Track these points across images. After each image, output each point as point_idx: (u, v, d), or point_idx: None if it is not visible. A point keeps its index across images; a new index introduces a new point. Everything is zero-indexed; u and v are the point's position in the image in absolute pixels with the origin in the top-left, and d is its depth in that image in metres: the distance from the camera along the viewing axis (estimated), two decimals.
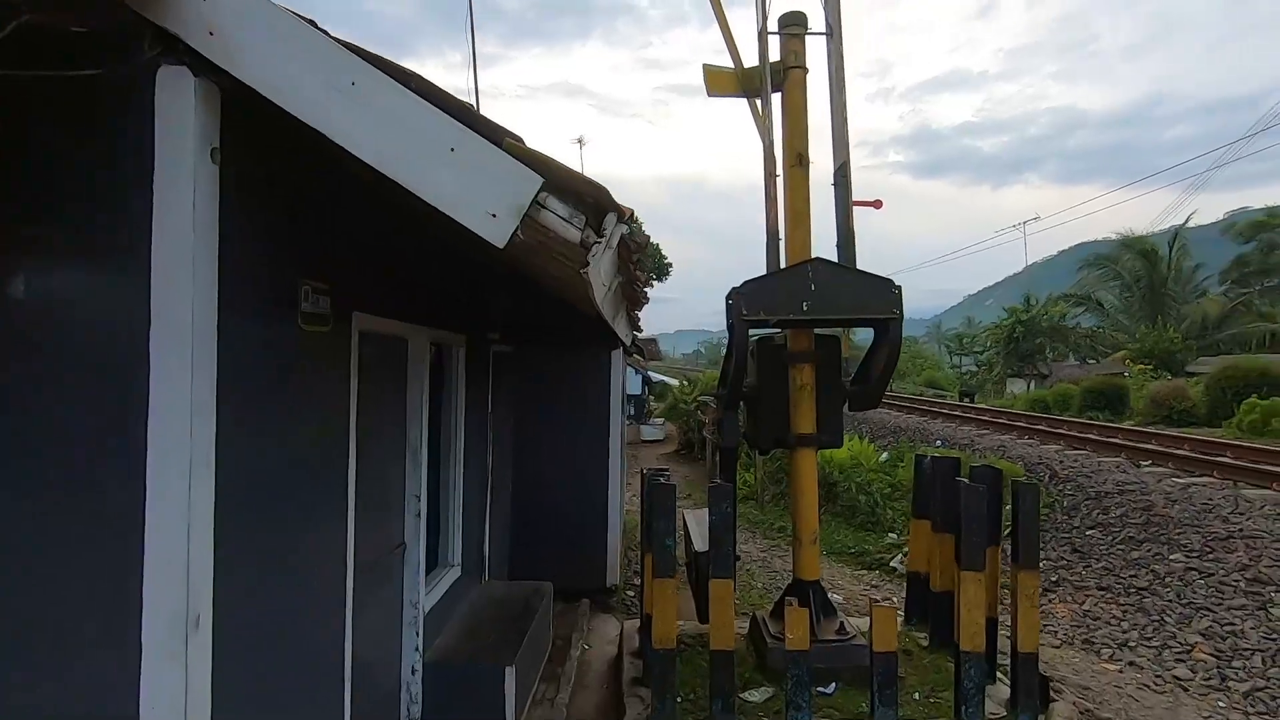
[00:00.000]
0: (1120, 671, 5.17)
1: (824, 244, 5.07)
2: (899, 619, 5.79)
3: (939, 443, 14.12)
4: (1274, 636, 5.16)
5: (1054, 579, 7.20)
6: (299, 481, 2.57)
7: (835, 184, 5.13)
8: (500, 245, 1.65)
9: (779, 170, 5.08)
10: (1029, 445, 12.69)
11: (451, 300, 4.92)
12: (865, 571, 8.70)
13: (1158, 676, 5.04)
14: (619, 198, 1.96)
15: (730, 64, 5.20)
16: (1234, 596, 5.84)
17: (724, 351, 5.30)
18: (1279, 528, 6.81)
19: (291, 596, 2.53)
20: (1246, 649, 5.10)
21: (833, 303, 4.64)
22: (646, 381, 30.43)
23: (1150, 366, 25.60)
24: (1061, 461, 10.77)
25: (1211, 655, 5.13)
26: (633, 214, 2.51)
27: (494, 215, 1.63)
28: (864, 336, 5.59)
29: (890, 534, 9.41)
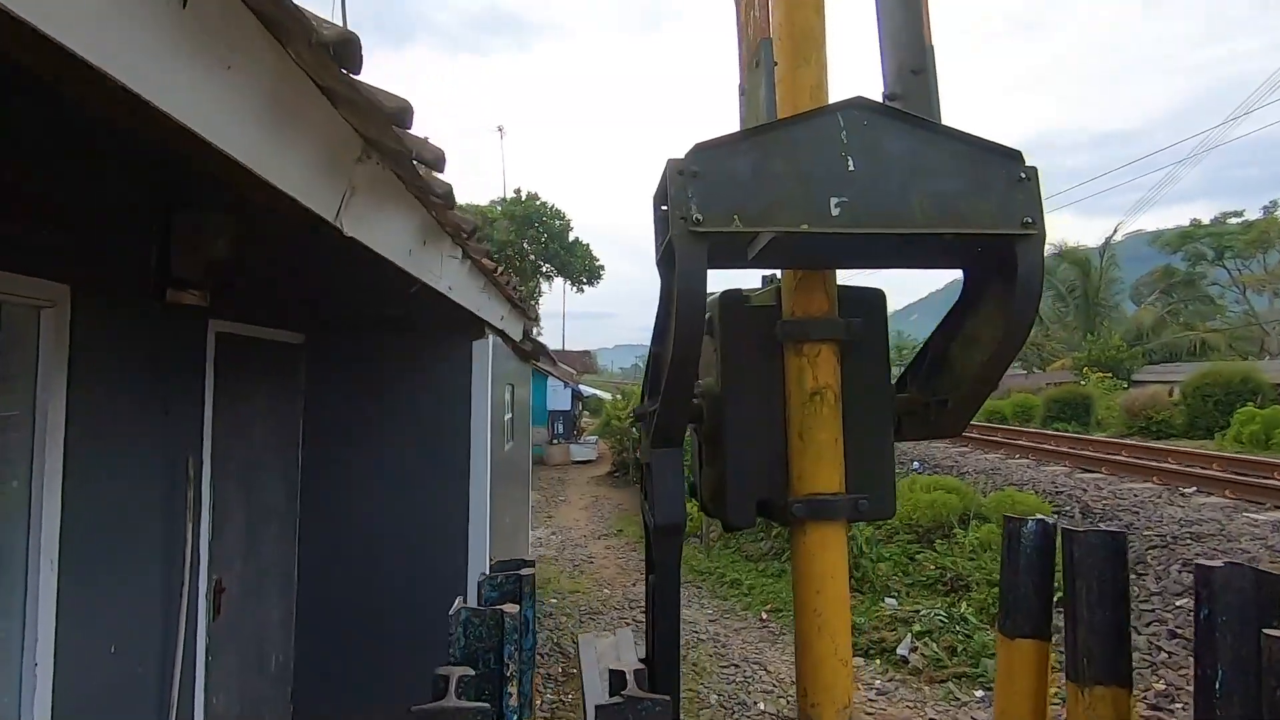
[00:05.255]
0: None
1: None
2: None
3: (915, 465, 11.84)
4: None
5: (1160, 686, 4.76)
6: None
7: None
8: None
9: None
10: (1027, 466, 10.50)
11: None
12: (860, 659, 6.10)
13: None
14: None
15: None
16: None
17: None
18: None
19: None
20: None
21: (898, 197, 2.01)
22: (578, 396, 27.54)
23: (1108, 375, 24.49)
24: (1084, 489, 8.54)
25: None
26: None
27: None
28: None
29: (888, 600, 6.87)
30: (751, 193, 1.99)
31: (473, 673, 1.50)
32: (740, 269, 2.39)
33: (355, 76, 1.17)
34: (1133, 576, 6.08)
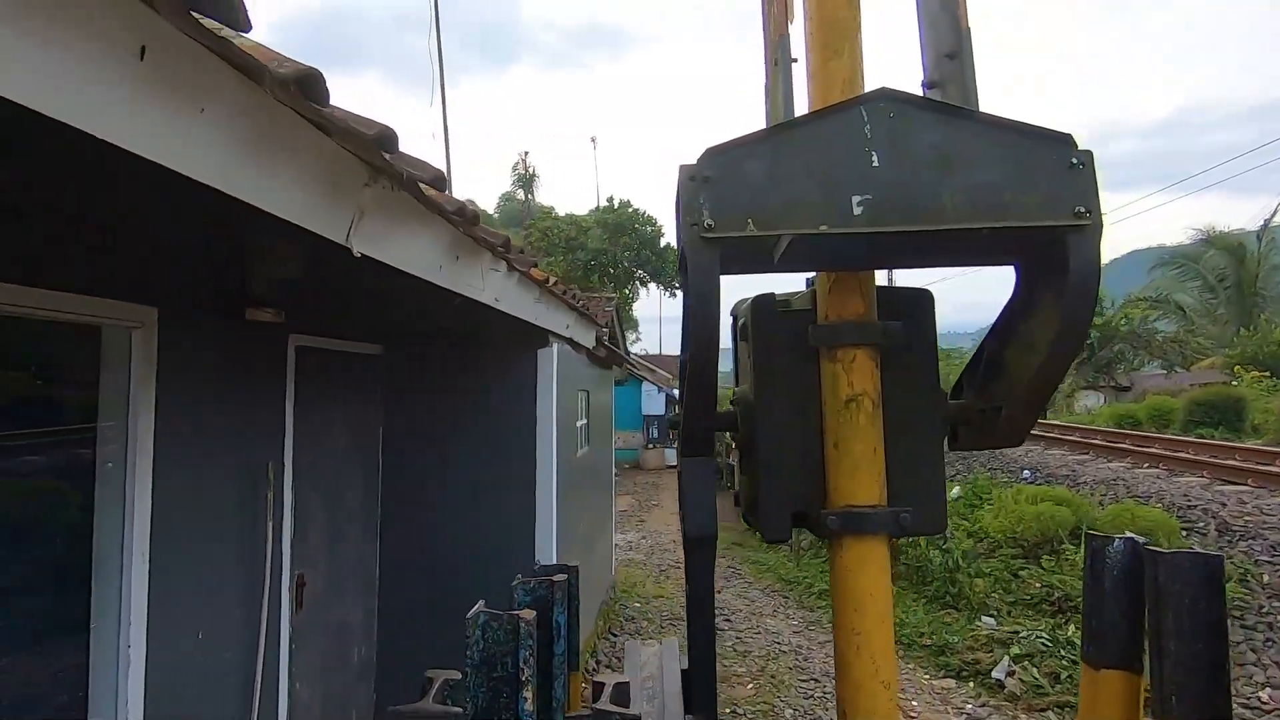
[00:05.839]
0: None
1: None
2: None
3: (1026, 473, 11.00)
4: None
5: None
6: None
7: None
8: None
9: None
10: (1156, 477, 9.49)
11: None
12: (952, 681, 5.73)
13: None
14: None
15: None
16: None
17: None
18: None
19: None
20: None
21: (928, 192, 1.88)
22: (672, 400, 27.60)
23: (1266, 374, 21.72)
24: (1222, 503, 7.61)
25: None
26: None
27: None
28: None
29: (985, 618, 6.41)
30: (766, 195, 1.93)
31: (459, 676, 1.54)
32: (766, 274, 2.33)
33: (323, 108, 1.25)
34: (1268, 604, 5.35)
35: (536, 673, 2.06)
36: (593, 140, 46.74)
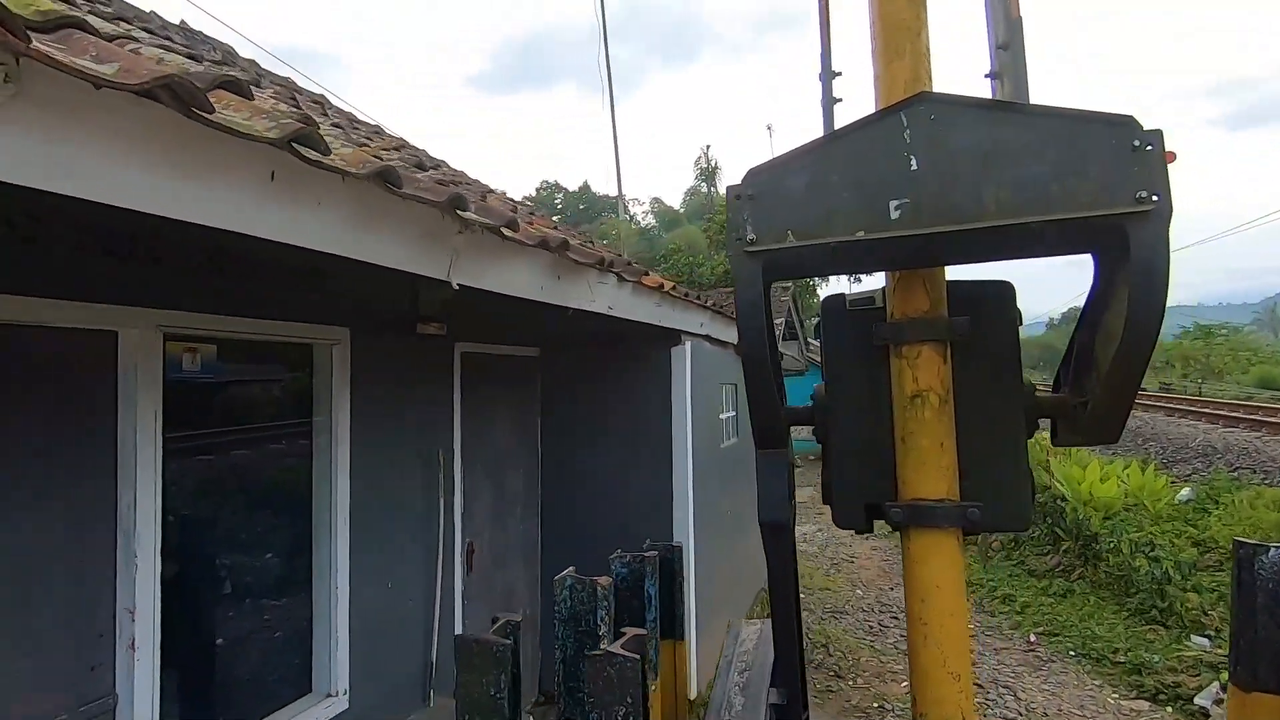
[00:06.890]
0: None
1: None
2: None
3: None
4: None
5: None
6: None
7: None
8: None
9: None
10: None
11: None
12: (1145, 704, 5.12)
13: None
14: None
15: None
16: None
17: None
18: None
19: None
20: None
21: (969, 191, 1.92)
22: None
23: None
24: None
25: None
26: None
27: None
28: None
29: (1197, 638, 5.60)
30: (805, 207, 2.09)
31: (519, 619, 1.92)
32: (819, 276, 2.44)
33: (400, 189, 1.68)
34: None
35: (613, 630, 2.42)
36: (769, 128, 45.94)
